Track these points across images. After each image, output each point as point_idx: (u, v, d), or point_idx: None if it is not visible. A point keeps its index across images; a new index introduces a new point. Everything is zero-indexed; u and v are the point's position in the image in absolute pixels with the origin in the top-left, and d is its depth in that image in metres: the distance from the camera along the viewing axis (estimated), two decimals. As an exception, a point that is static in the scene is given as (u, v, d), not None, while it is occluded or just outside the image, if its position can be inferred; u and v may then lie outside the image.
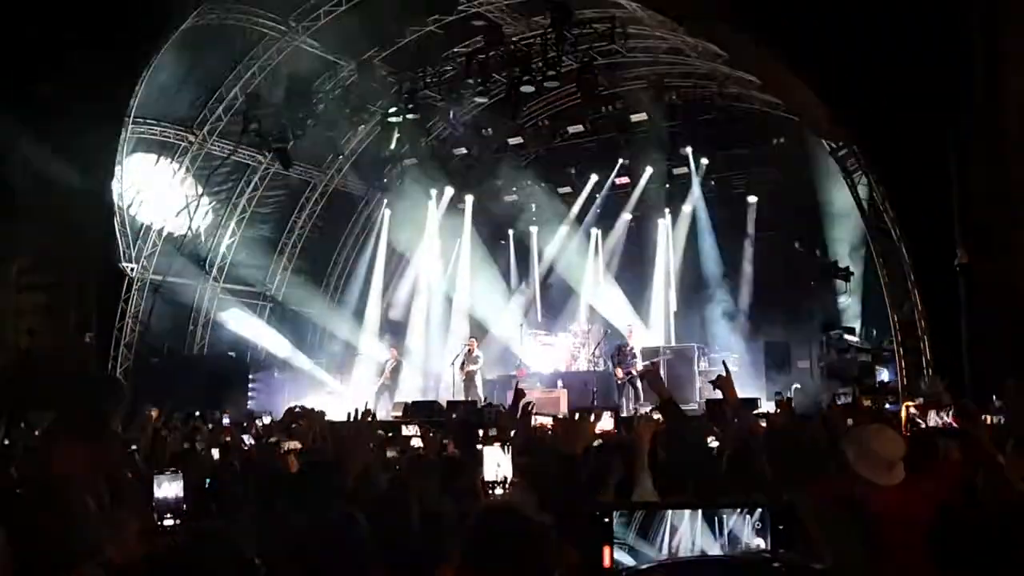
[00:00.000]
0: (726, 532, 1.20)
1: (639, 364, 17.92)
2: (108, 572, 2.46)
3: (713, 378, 5.39)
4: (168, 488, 3.09)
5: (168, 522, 2.96)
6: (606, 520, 1.11)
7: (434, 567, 2.69)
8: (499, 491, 3.63)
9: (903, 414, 14.64)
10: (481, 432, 7.77)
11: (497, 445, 3.86)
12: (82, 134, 19.70)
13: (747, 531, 1.20)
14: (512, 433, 5.42)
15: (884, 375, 16.71)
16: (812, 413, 10.01)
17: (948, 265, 13.33)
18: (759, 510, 1.20)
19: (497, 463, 3.75)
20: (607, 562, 1.17)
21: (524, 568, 2.32)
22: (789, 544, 1.15)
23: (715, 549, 1.19)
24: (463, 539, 2.58)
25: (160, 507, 3.02)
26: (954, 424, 5.37)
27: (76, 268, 22.13)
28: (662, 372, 17.26)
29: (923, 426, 11.00)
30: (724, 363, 5.86)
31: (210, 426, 11.91)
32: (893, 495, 3.90)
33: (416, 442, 8.07)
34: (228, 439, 9.05)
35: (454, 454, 6.22)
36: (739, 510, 1.20)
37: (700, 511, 1.31)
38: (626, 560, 1.13)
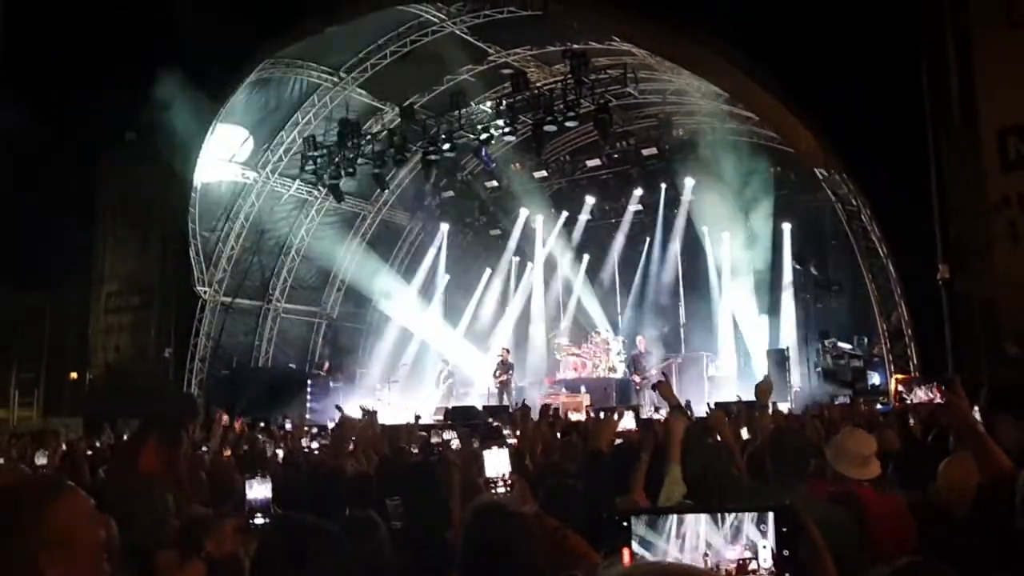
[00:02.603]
0: (728, 525, 1.18)
1: (654, 369, 17.94)
2: (208, 564, 2.49)
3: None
4: (258, 490, 3.12)
5: (258, 521, 2.98)
6: (624, 524, 1.09)
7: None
8: (501, 489, 3.59)
9: (891, 388, 14.52)
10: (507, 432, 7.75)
11: (495, 447, 3.82)
12: (162, 174, 20.02)
13: (748, 524, 1.18)
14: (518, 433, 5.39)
15: (875, 379, 16.56)
16: (815, 412, 9.88)
17: (931, 279, 13.17)
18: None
19: (498, 463, 3.72)
20: (627, 563, 1.15)
21: (510, 556, 2.29)
22: (792, 546, 1.13)
23: (718, 540, 1.17)
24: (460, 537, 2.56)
25: (251, 507, 3.05)
26: (938, 397, 5.25)
27: (157, 292, 22.45)
28: (674, 378, 17.20)
29: (909, 401, 10.85)
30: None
31: (281, 431, 11.98)
32: (876, 495, 3.83)
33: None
34: (284, 443, 9.09)
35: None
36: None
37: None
38: (639, 551, 1.12)
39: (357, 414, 7.34)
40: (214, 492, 4.75)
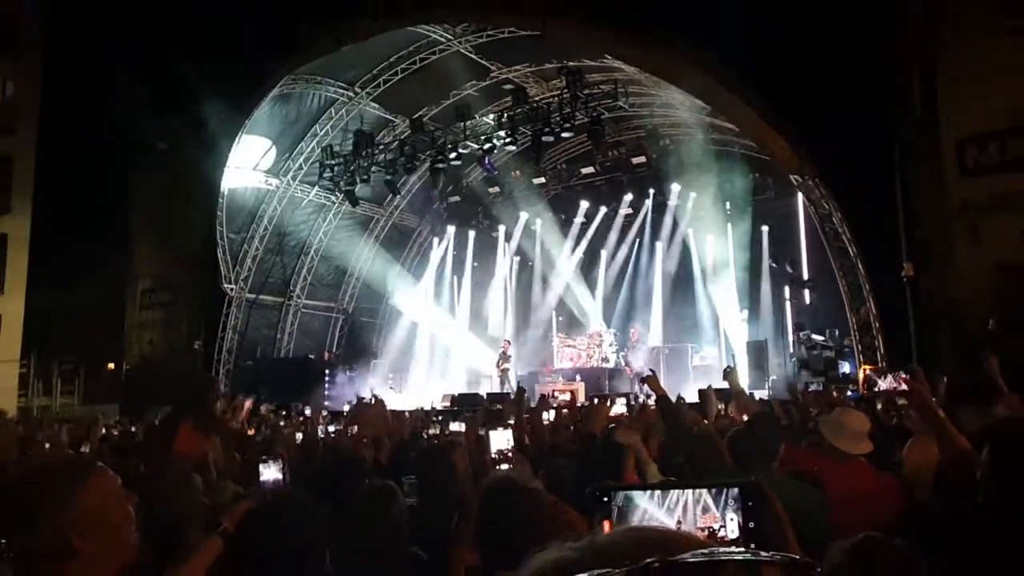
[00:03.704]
0: (700, 498, 1.21)
1: (643, 360, 18.02)
2: (225, 539, 2.50)
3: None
4: (270, 471, 3.16)
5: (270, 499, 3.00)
6: (605, 499, 1.12)
7: (456, 540, 2.71)
8: (504, 466, 3.63)
9: (861, 376, 14.53)
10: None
11: (500, 428, 3.87)
12: (191, 182, 20.05)
13: (718, 498, 1.21)
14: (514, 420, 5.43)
15: (845, 368, 16.56)
16: (789, 400, 9.87)
17: (896, 277, 13.20)
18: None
19: (505, 441, 3.77)
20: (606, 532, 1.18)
21: (522, 525, 2.33)
22: (757, 519, 1.16)
23: (690, 511, 1.20)
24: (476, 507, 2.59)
25: (264, 487, 3.09)
26: (903, 385, 5.24)
27: (187, 289, 22.49)
28: (661, 368, 17.24)
29: (876, 389, 10.80)
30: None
31: (301, 417, 11.99)
32: (849, 473, 3.81)
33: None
34: (303, 427, 9.10)
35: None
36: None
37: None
38: (618, 522, 1.15)
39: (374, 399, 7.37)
40: (244, 471, 4.77)
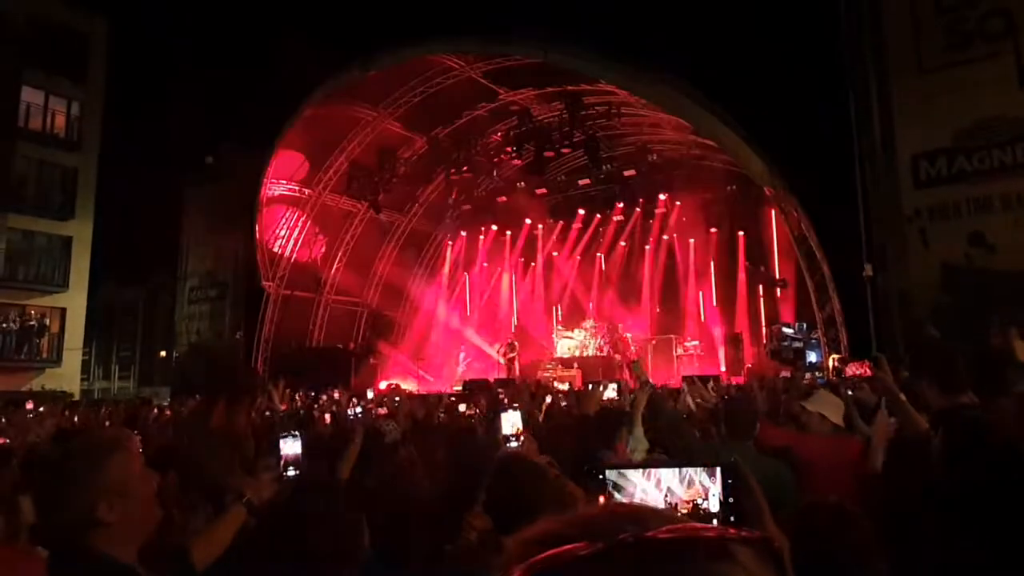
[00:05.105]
0: (685, 474, 1.18)
1: (632, 350, 17.98)
2: (249, 509, 2.46)
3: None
4: (291, 446, 3.09)
5: (290, 473, 2.95)
6: (600, 476, 1.10)
7: (467, 508, 2.67)
8: (513, 444, 3.60)
9: (828, 365, 14.49)
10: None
11: (511, 410, 3.84)
12: (235, 191, 20.10)
13: (701, 474, 1.18)
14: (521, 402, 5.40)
15: (812, 357, 16.50)
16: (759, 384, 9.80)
17: (858, 276, 13.16)
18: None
19: (512, 423, 3.73)
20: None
21: (527, 495, 2.31)
22: (735, 495, 1.13)
23: (676, 485, 1.17)
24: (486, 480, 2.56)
25: (285, 461, 3.03)
26: (868, 372, 5.23)
27: (230, 286, 22.54)
28: (649, 356, 17.21)
29: (846, 375, 10.78)
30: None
31: (329, 400, 11.97)
32: (822, 445, 3.77)
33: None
34: (335, 408, 9.09)
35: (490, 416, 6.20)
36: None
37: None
38: (613, 495, 1.12)
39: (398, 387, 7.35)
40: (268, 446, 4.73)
